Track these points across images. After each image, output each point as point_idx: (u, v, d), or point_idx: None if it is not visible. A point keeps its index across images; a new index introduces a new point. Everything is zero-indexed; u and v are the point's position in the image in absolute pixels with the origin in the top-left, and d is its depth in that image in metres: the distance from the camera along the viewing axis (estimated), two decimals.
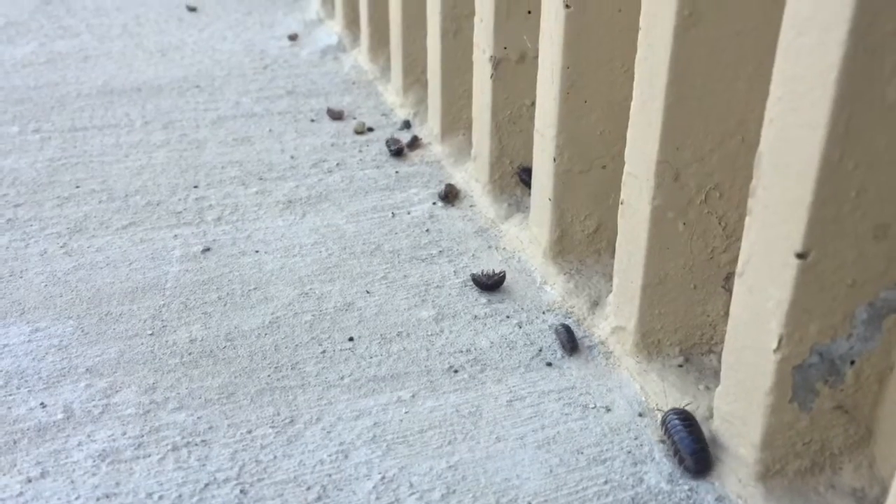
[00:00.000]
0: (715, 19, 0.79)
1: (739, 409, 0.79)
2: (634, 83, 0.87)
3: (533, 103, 1.25)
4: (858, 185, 0.66)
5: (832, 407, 0.76)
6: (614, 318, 0.99)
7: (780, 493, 0.78)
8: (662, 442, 0.86)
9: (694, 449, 0.81)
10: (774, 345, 0.72)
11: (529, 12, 1.18)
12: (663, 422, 0.86)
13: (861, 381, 0.75)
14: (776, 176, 0.69)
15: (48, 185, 1.39)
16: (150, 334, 1.03)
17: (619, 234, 0.95)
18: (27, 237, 1.24)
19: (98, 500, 0.79)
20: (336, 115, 1.67)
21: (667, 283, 0.92)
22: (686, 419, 0.84)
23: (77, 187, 1.38)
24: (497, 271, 1.12)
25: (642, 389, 0.93)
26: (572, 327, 1.02)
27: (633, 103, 0.88)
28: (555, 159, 1.08)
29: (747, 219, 0.74)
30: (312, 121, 1.66)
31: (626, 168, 0.91)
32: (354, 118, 1.67)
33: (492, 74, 1.23)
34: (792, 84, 0.66)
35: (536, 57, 1.12)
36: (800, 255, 0.69)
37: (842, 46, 0.61)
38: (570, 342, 0.99)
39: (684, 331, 0.95)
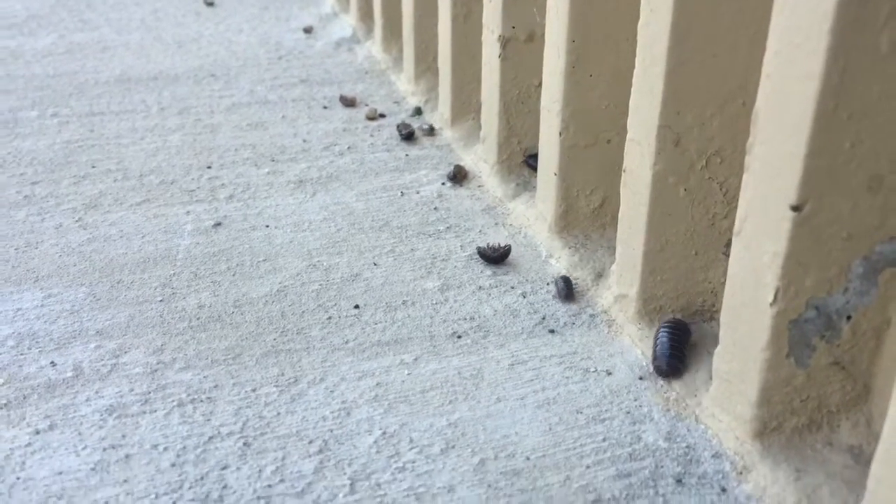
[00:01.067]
0: None
1: (737, 367, 0.79)
2: (637, 49, 0.88)
3: (541, 83, 1.26)
4: (853, 137, 0.67)
5: (829, 363, 0.76)
6: (617, 287, 1.00)
7: (776, 451, 0.78)
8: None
9: (666, 353, 0.87)
10: (770, 298, 0.73)
11: None
12: (656, 332, 0.92)
13: (858, 336, 0.75)
14: (772, 130, 0.70)
15: (65, 165, 1.41)
16: (160, 301, 1.05)
17: (621, 203, 0.96)
18: (43, 212, 1.26)
19: (104, 450, 0.81)
20: (349, 102, 1.69)
21: (668, 249, 0.93)
22: (672, 327, 0.90)
23: (93, 167, 1.41)
24: (502, 245, 1.14)
25: (644, 354, 0.93)
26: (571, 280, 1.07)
27: (635, 70, 0.89)
28: (561, 133, 1.09)
29: (745, 176, 0.75)
30: (325, 107, 1.68)
31: (629, 135, 0.92)
32: (367, 105, 1.69)
33: (500, 54, 1.24)
34: (787, 37, 0.67)
35: (544, 36, 1.13)
36: (795, 208, 0.69)
37: None
38: (567, 289, 1.03)
39: (686, 298, 0.96)
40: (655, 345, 0.90)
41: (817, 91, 0.65)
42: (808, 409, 0.79)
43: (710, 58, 0.83)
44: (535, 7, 1.19)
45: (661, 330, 0.90)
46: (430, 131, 1.53)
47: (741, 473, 0.78)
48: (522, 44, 1.24)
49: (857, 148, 0.67)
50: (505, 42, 1.23)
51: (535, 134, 1.30)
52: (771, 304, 0.73)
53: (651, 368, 0.91)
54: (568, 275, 1.08)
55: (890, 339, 0.75)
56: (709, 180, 0.90)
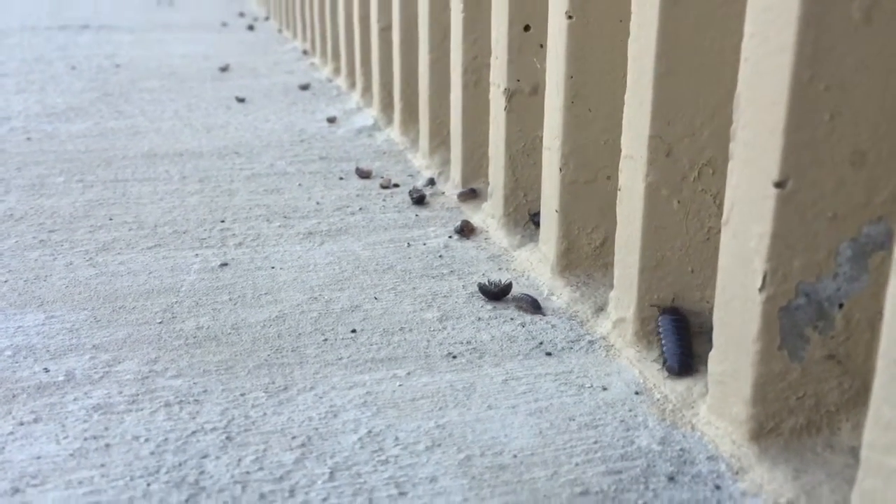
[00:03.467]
0: None
1: (730, 366, 0.77)
2: (628, 66, 0.91)
3: None
4: (832, 109, 0.68)
5: (824, 356, 0.74)
6: (615, 311, 0.99)
7: (774, 453, 0.75)
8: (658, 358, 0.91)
9: (676, 351, 0.87)
10: (759, 283, 0.72)
11: (541, 45, 1.24)
12: (657, 324, 0.92)
13: (852, 326, 0.74)
14: (752, 110, 0.71)
15: (83, 218, 1.45)
16: (159, 323, 1.05)
17: (618, 222, 0.97)
18: (56, 253, 1.29)
19: (85, 440, 0.80)
20: (364, 174, 1.73)
21: (664, 265, 0.93)
22: (675, 320, 0.90)
23: (110, 219, 1.45)
24: (504, 281, 1.13)
25: (641, 374, 0.91)
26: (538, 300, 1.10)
27: (627, 87, 0.91)
28: (561, 169, 1.11)
29: (730, 164, 0.75)
30: (341, 178, 1.72)
31: (623, 153, 0.94)
32: (382, 177, 1.73)
33: (506, 107, 1.28)
34: (761, 16, 0.69)
35: None
36: (778, 184, 0.69)
37: None
38: (532, 299, 1.08)
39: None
40: (661, 344, 0.90)
41: (792, 63, 0.66)
42: (805, 408, 0.76)
43: (697, 66, 0.86)
44: (535, 58, 1.23)
45: (665, 324, 0.90)
46: (472, 194, 1.52)
47: (737, 473, 0.75)
48: (527, 97, 1.28)
49: (836, 120, 0.68)
50: (510, 95, 1.27)
51: (540, 187, 1.31)
52: (760, 290, 0.72)
53: (648, 384, 0.89)
54: (570, 318, 1.07)
55: None
56: (702, 192, 0.90)
